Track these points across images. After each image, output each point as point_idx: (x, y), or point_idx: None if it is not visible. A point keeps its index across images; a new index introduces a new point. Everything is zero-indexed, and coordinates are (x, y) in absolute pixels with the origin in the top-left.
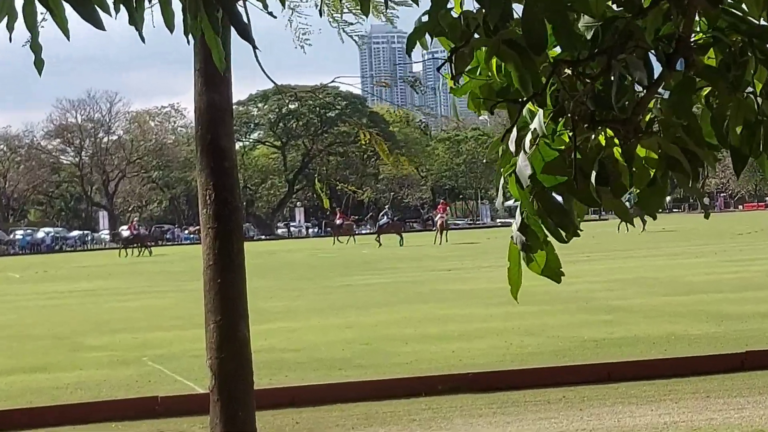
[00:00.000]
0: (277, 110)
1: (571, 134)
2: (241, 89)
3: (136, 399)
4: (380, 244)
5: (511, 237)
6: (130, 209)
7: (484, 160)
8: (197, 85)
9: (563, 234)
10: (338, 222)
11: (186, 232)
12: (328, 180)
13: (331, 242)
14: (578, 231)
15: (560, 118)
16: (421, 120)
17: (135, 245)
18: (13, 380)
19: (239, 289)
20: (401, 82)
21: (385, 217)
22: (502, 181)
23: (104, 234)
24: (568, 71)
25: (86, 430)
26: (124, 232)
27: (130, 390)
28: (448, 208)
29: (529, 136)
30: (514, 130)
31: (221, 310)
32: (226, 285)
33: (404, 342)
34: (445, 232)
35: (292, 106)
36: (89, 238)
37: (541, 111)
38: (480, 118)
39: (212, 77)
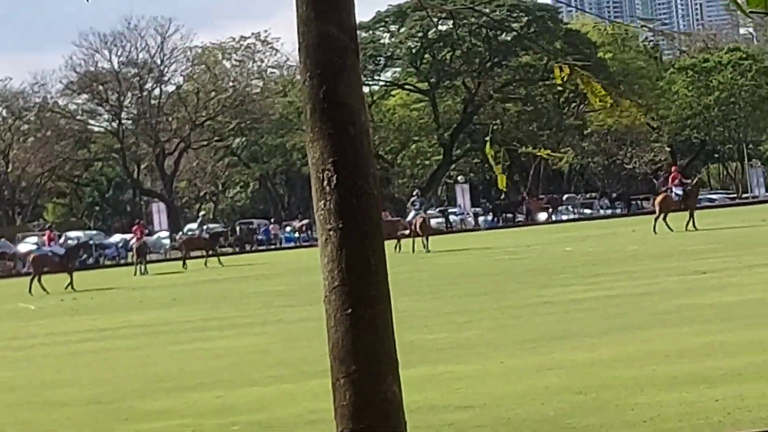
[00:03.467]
0: (420, 35)
1: None
2: (362, 5)
3: None
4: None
5: None
6: (199, 197)
7: None
8: (302, 8)
9: None
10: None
11: (288, 229)
12: (504, 140)
13: (514, 237)
14: None
15: None
16: (648, 39)
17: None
18: None
19: (383, 325)
20: None
21: (414, 208)
22: None
23: (162, 237)
24: None
25: None
26: (133, 240)
27: None
28: (679, 178)
29: None
30: None
31: (356, 356)
32: (361, 318)
33: (639, 388)
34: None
35: (443, 28)
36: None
37: None
38: (741, 32)
39: None
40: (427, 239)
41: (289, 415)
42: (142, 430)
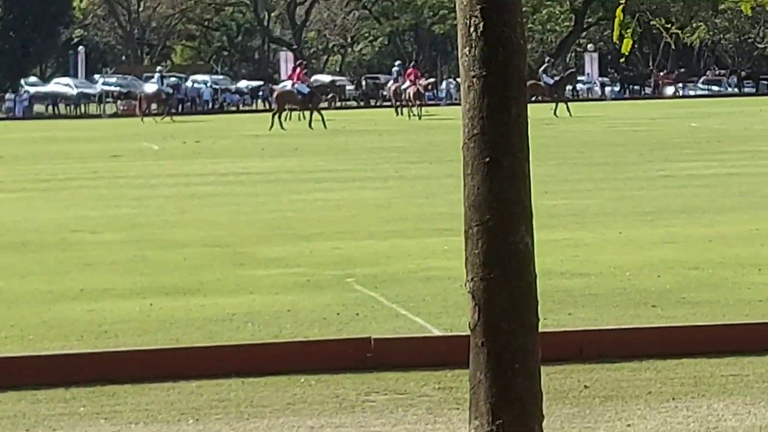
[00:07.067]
0: None
1: None
2: None
3: (336, 341)
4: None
5: None
6: (327, 49)
7: None
8: None
9: None
10: (397, 84)
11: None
12: (638, 11)
13: (640, 109)
14: None
15: None
16: None
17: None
18: (150, 306)
19: (520, 175)
20: None
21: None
22: None
23: (286, 86)
24: None
25: (259, 385)
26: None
27: (326, 327)
28: None
29: None
30: None
31: (491, 204)
32: (499, 167)
33: (756, 267)
34: None
35: None
36: (265, 92)
37: None
38: None
39: None
40: (420, 109)
41: (404, 271)
42: (258, 276)
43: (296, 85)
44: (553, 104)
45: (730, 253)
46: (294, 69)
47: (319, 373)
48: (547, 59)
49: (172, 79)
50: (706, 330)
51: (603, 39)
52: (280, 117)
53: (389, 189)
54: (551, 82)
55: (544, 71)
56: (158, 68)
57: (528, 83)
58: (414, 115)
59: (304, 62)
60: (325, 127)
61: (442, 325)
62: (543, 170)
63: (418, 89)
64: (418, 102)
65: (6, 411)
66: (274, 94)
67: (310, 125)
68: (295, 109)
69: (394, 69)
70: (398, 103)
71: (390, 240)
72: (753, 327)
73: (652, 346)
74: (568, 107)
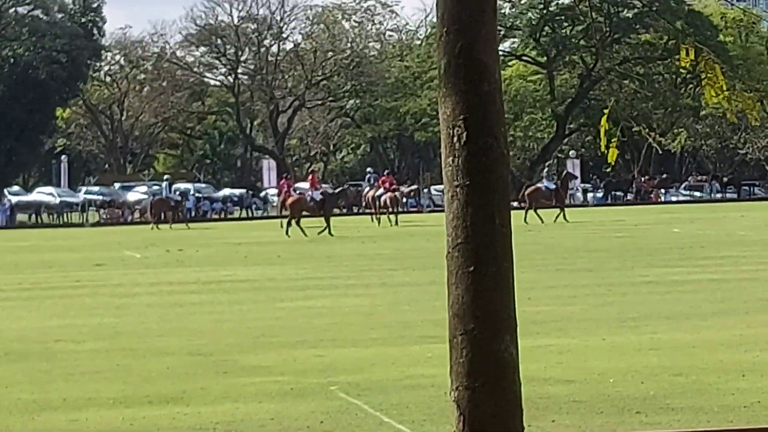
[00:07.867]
0: (541, 6)
1: None
2: None
3: None
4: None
5: None
6: (309, 156)
7: None
8: None
9: None
10: (372, 191)
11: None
12: (619, 117)
13: (623, 215)
14: None
15: None
16: None
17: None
18: (134, 415)
19: (504, 284)
20: None
21: (368, 184)
22: None
23: (271, 193)
24: None
25: None
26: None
27: None
28: None
29: None
30: None
31: (475, 314)
32: (483, 276)
33: (740, 373)
34: None
35: (565, 1)
36: (247, 200)
37: None
38: None
39: None
40: (396, 216)
41: (389, 378)
42: (241, 384)
43: (310, 192)
44: (556, 209)
45: (714, 359)
46: (290, 177)
47: None
48: (547, 164)
49: (155, 186)
50: None
51: (585, 145)
52: (298, 223)
53: (372, 296)
54: (552, 186)
55: (546, 176)
56: (165, 177)
57: (531, 189)
58: (386, 223)
59: (315, 170)
60: (330, 234)
61: None
62: (526, 276)
63: (395, 196)
64: (396, 209)
65: None
66: (288, 202)
67: (330, 232)
68: (309, 216)
69: (367, 176)
70: (378, 210)
71: (373, 347)
72: None
73: None
74: (564, 213)
